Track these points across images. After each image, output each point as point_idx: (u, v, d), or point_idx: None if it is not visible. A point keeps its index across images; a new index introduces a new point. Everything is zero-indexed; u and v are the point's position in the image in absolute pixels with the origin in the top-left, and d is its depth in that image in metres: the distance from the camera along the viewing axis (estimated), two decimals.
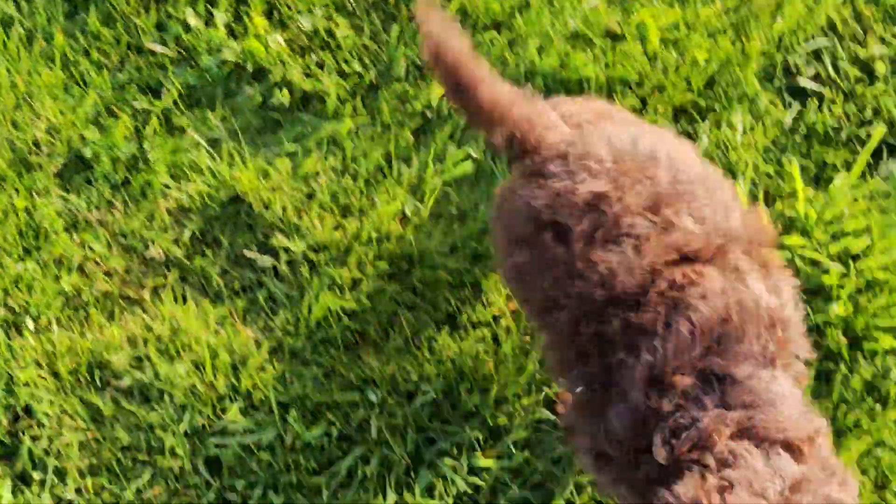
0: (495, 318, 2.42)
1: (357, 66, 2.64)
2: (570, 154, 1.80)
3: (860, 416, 2.31)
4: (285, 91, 2.61)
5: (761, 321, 1.64)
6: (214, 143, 2.59)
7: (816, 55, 2.63)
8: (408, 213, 2.49)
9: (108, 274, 2.48)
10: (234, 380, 2.38)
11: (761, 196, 2.49)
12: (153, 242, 2.49)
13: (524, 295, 2.01)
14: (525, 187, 1.86)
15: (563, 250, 1.78)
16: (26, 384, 2.39)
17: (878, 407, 2.31)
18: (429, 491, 2.32)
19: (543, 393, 2.34)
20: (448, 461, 2.32)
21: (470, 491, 2.32)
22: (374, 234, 2.46)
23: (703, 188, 1.76)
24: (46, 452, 2.35)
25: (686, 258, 1.70)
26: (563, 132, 1.89)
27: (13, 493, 2.33)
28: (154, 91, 2.65)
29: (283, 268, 2.47)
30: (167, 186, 2.53)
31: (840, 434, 2.29)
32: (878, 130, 2.51)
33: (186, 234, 2.51)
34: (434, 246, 2.45)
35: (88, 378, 2.40)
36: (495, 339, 2.41)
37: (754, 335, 1.62)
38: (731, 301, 1.64)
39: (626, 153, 1.77)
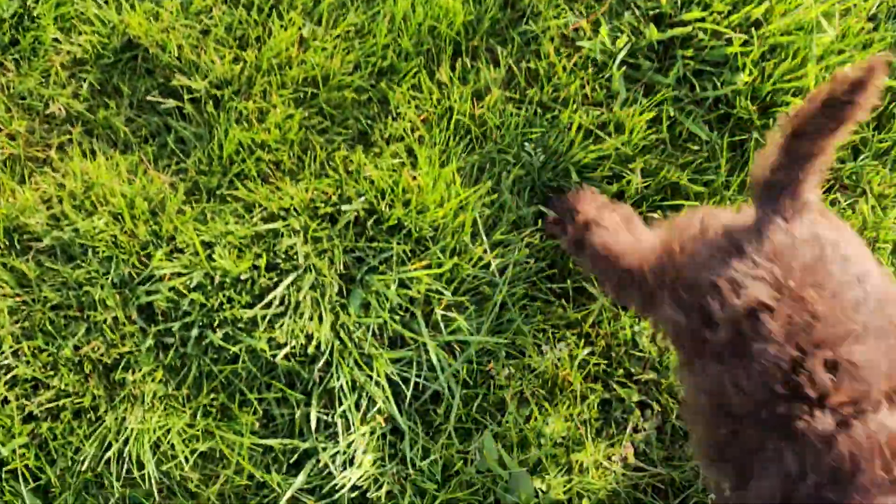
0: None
1: None
2: (768, 245, 1.68)
3: None
4: None
5: (884, 450, 1.51)
6: None
7: None
8: (305, 35, 2.44)
9: (11, 137, 2.42)
10: (154, 226, 2.36)
11: None
12: (52, 99, 2.43)
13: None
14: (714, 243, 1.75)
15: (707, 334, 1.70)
16: None
17: None
18: (364, 308, 2.34)
19: (461, 197, 2.35)
20: (379, 277, 2.33)
21: (405, 303, 2.34)
22: (274, 63, 2.41)
23: (888, 340, 1.58)
24: None
25: (803, 396, 1.58)
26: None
27: None
28: None
29: (188, 108, 2.42)
30: (57, 41, 2.46)
31: None
32: None
33: (85, 87, 2.44)
34: (336, 66, 2.41)
35: (7, 243, 2.36)
36: (410, 151, 2.40)
37: (879, 466, 1.50)
38: (840, 442, 1.53)
39: (828, 278, 1.61)
